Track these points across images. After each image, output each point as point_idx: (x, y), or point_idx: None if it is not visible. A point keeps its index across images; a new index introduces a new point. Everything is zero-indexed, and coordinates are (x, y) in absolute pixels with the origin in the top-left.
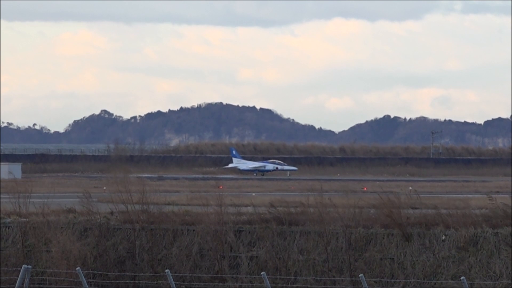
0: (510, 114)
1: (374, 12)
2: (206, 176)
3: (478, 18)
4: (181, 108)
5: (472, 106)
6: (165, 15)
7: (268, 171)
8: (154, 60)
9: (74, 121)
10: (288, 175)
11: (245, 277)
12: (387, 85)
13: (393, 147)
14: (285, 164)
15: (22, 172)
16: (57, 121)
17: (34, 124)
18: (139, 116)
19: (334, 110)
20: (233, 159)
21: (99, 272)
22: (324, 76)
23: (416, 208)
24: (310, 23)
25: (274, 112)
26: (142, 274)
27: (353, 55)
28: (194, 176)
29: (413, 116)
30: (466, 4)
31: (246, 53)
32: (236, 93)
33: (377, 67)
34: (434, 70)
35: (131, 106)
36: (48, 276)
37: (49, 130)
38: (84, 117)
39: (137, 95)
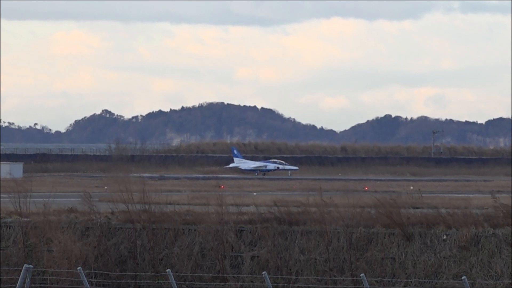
0: (510, 113)
1: (373, 12)
2: (207, 175)
3: (476, 17)
4: (183, 107)
5: (468, 105)
6: (161, 14)
7: (269, 170)
8: (149, 59)
9: (75, 121)
10: (289, 174)
11: (247, 277)
12: (383, 84)
13: (394, 146)
14: (287, 163)
15: (23, 172)
16: (56, 120)
17: (35, 124)
18: (140, 115)
19: (332, 110)
20: (235, 158)
21: (100, 271)
22: (322, 75)
23: (417, 208)
24: (307, 22)
25: (276, 112)
26: (144, 273)
27: (349, 54)
28: (195, 175)
29: (414, 115)
30: (464, 3)
31: (243, 52)
32: (234, 92)
33: (373, 66)
34: (430, 69)
35: (128, 105)
36: (49, 276)
37: (50, 130)
38: (85, 117)
39: (134, 95)
